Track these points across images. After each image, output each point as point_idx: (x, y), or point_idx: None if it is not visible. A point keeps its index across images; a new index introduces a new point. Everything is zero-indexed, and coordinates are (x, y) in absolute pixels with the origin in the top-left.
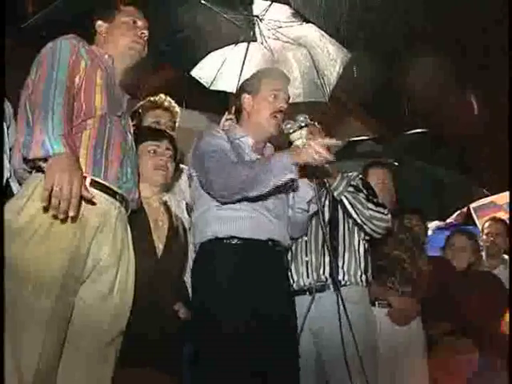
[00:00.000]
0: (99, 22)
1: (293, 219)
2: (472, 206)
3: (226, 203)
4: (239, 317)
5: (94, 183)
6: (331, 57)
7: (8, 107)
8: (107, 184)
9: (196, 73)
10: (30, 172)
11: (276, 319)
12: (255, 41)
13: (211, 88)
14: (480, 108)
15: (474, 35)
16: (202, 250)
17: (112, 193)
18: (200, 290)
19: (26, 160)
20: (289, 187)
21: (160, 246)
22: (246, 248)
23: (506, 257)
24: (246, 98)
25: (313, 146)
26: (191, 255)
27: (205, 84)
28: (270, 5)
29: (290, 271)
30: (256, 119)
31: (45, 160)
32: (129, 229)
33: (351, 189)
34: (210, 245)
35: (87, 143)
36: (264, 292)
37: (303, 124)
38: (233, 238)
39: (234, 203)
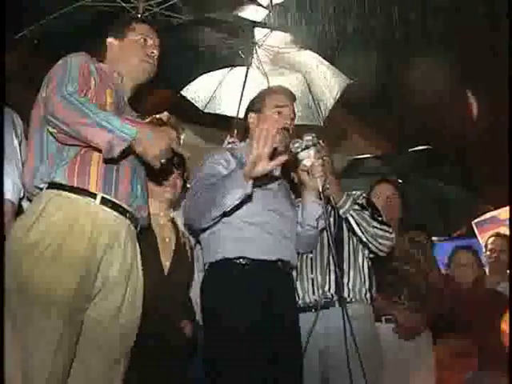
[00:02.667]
0: (110, 40)
1: (303, 235)
2: (474, 221)
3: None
4: (249, 337)
5: (104, 201)
6: (328, 82)
7: (19, 123)
8: (117, 202)
9: (190, 95)
10: (41, 189)
11: (285, 338)
12: (250, 66)
13: (206, 111)
14: (480, 116)
15: (473, 39)
16: (211, 270)
17: (122, 210)
18: (210, 310)
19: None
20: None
21: (167, 264)
22: (255, 268)
23: None
24: (252, 116)
25: (263, 158)
26: (198, 273)
27: (199, 107)
28: (271, 31)
29: (296, 288)
30: None
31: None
32: (138, 246)
33: (356, 207)
34: (220, 265)
35: (98, 160)
36: (273, 311)
37: (311, 143)
38: (242, 258)
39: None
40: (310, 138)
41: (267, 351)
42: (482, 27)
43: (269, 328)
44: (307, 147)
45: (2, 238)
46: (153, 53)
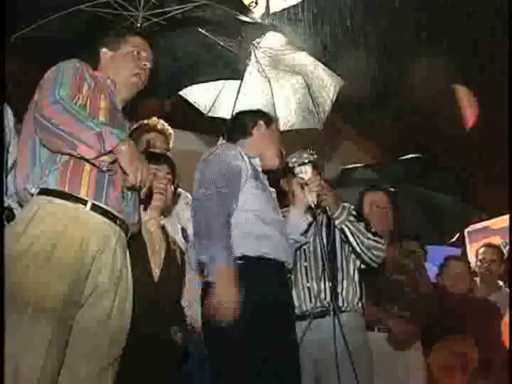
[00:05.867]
0: (104, 50)
1: None
2: (466, 230)
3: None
4: (257, 340)
5: (94, 207)
6: (325, 84)
7: (9, 115)
8: (108, 208)
9: (194, 99)
10: (32, 194)
11: (288, 341)
12: (247, 67)
13: (209, 115)
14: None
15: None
16: None
17: (112, 217)
18: None
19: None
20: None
21: (156, 271)
22: (270, 267)
23: (501, 283)
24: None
25: None
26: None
27: (202, 111)
28: (265, 32)
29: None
30: (263, 152)
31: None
32: (128, 253)
33: (352, 218)
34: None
35: (90, 167)
36: (280, 311)
37: (307, 160)
38: (261, 257)
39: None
40: (307, 155)
41: (269, 352)
42: (481, 27)
43: (273, 329)
44: (304, 163)
45: (1, 240)
46: (145, 65)
